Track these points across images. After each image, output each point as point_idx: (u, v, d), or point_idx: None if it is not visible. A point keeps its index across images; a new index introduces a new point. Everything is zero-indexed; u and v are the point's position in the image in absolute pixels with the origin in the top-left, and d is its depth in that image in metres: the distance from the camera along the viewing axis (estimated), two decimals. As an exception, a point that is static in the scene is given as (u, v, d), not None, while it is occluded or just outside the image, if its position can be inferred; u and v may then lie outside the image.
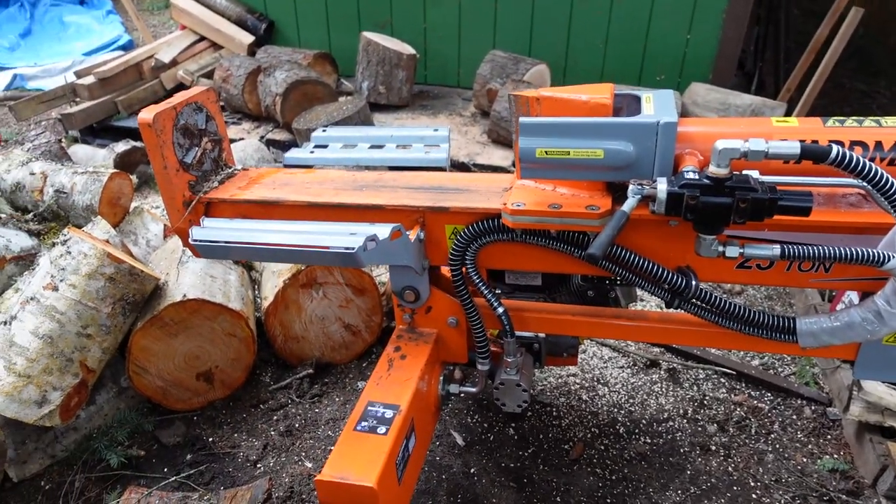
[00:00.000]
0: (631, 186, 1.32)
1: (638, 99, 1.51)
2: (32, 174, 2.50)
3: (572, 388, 2.46)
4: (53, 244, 2.04)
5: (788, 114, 3.80)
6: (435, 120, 4.58)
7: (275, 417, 2.33)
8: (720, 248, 1.32)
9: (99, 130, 4.55)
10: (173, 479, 2.07)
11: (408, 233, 1.60)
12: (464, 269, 1.67)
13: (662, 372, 2.54)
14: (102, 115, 4.45)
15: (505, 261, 1.68)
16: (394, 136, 1.99)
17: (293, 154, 1.99)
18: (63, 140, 4.54)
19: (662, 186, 1.26)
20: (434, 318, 1.84)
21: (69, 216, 2.50)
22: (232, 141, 4.17)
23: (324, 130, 2.08)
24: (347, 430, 1.55)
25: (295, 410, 2.36)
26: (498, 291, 2.03)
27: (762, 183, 1.24)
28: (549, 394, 2.43)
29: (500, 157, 3.93)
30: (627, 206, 1.26)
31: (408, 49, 4.65)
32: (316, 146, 2.02)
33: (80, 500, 2.04)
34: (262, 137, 4.21)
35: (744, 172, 1.27)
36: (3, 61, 6.40)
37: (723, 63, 4.43)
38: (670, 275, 1.47)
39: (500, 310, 1.67)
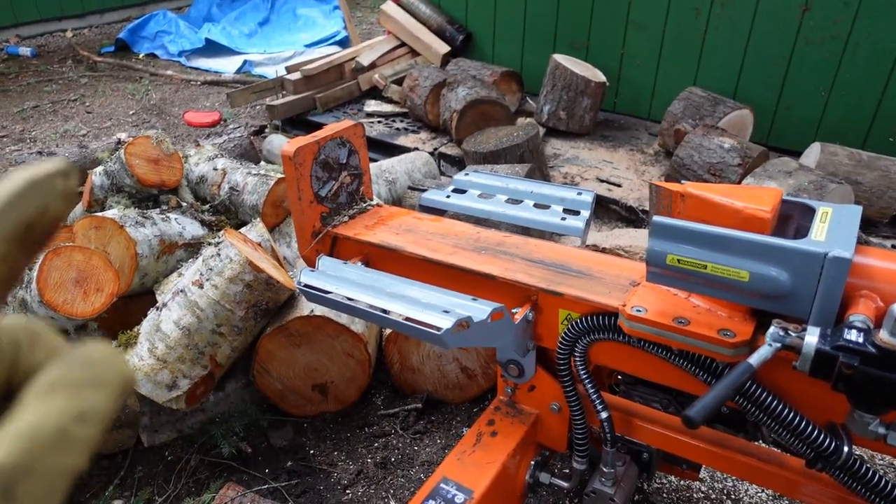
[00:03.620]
0: (772, 328, 1.08)
1: (812, 212, 1.24)
2: (215, 170, 2.76)
3: (695, 496, 2.16)
4: (209, 244, 2.23)
5: None
6: (613, 154, 4.32)
7: (375, 444, 2.34)
8: (880, 431, 1.03)
9: (298, 122, 4.95)
10: (268, 485, 2.16)
11: (515, 310, 1.48)
12: (572, 360, 1.51)
13: None
14: (301, 110, 4.83)
15: (618, 362, 1.50)
16: (534, 193, 1.87)
17: (430, 196, 1.96)
18: (267, 127, 5.02)
19: (811, 340, 1.01)
20: (536, 398, 1.71)
21: (238, 212, 2.72)
22: (406, 149, 4.32)
23: (466, 174, 2.02)
24: (414, 502, 1.48)
25: (396, 442, 2.35)
26: (619, 377, 1.84)
27: (955, 366, 0.94)
28: (665, 496, 2.16)
29: (674, 206, 3.59)
30: (757, 357, 1.03)
31: (598, 76, 4.44)
32: (454, 190, 1.97)
33: (191, 479, 2.21)
34: (434, 150, 4.29)
35: (934, 342, 0.98)
36: (240, 46, 7.24)
37: (982, 133, 3.63)
38: (816, 433, 1.19)
39: (604, 415, 1.49)
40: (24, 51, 7.16)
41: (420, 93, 4.49)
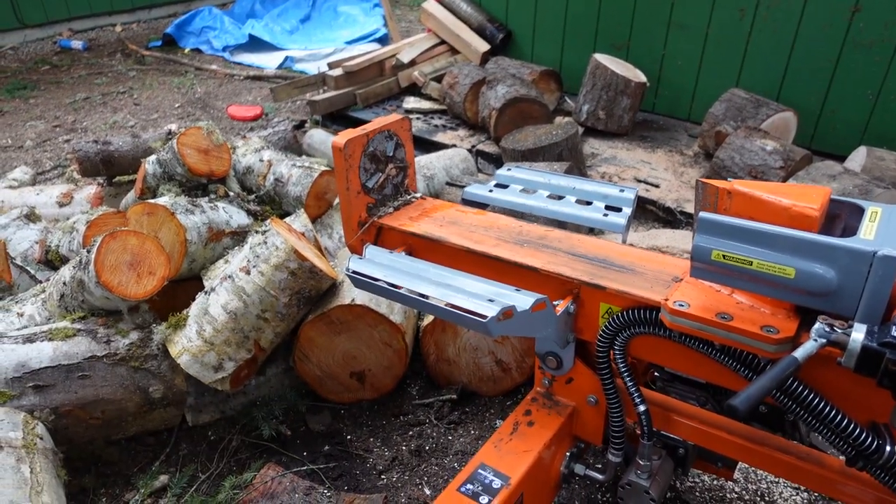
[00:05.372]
0: (817, 324, 1.09)
1: (861, 211, 1.24)
2: (261, 161, 2.84)
3: (728, 496, 2.16)
4: (256, 232, 2.30)
5: None
6: (652, 155, 4.30)
7: (410, 433, 2.39)
8: (926, 429, 1.03)
9: (337, 117, 5.03)
10: (307, 467, 2.22)
11: (556, 303, 1.51)
12: (611, 353, 1.53)
13: (849, 511, 2.11)
14: (342, 105, 4.91)
15: (658, 356, 1.51)
16: (576, 189, 1.89)
17: (472, 190, 1.99)
18: (307, 122, 5.12)
19: (858, 336, 1.02)
20: (573, 390, 1.73)
21: (282, 202, 2.80)
22: (444, 146, 4.37)
23: (509, 170, 2.05)
24: (450, 488, 1.52)
25: (430, 431, 2.39)
26: (657, 374, 1.84)
27: None
28: (698, 495, 2.16)
29: (713, 208, 3.56)
30: (802, 351, 1.04)
31: (638, 76, 4.42)
32: (496, 185, 2.00)
33: (233, 458, 2.29)
34: (472, 147, 4.32)
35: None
36: (282, 43, 7.38)
37: None
38: (858, 430, 1.20)
39: (642, 408, 1.51)
40: (76, 44, 7.41)
41: (459, 90, 4.53)
